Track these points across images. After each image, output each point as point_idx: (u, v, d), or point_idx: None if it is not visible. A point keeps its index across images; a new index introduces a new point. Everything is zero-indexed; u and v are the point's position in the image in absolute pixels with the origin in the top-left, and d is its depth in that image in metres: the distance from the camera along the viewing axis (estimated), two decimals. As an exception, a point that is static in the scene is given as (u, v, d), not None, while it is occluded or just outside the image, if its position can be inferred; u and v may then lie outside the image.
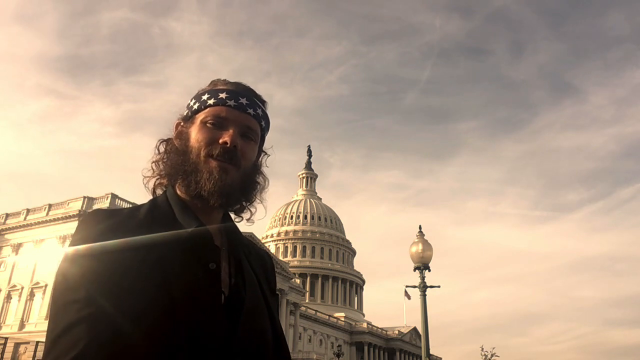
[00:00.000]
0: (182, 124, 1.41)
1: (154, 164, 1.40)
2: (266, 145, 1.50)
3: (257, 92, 1.47)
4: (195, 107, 1.39)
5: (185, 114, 1.42)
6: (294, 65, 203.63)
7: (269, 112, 1.48)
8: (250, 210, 1.45)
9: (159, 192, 1.40)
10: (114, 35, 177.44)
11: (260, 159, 1.47)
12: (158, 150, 1.41)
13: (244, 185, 1.36)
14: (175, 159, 1.35)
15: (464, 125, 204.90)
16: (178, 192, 1.35)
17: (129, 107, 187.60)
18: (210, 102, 1.36)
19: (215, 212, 1.36)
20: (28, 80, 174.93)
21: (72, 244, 1.18)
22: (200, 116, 1.37)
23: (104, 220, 1.22)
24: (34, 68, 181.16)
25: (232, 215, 1.44)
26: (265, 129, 1.46)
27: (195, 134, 1.35)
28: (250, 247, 1.47)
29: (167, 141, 1.41)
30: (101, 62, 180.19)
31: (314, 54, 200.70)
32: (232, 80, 1.46)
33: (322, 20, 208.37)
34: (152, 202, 1.36)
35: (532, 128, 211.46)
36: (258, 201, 1.44)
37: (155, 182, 1.40)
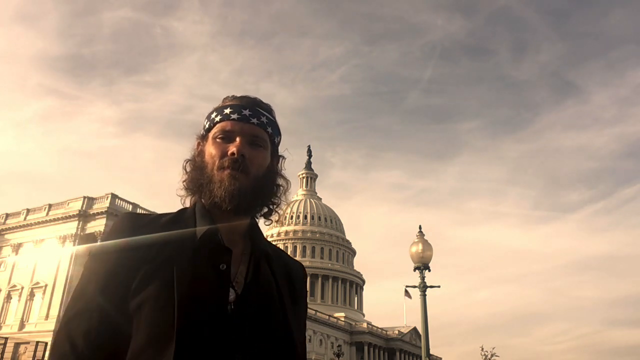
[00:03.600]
0: (200, 142, 1.54)
1: (184, 182, 1.52)
2: (282, 152, 1.61)
3: (264, 101, 1.58)
4: (207, 126, 1.53)
5: (201, 133, 1.56)
6: (295, 65, 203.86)
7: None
8: (278, 213, 1.55)
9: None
10: (115, 34, 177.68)
11: (278, 163, 1.58)
12: (185, 170, 1.53)
13: (257, 190, 1.44)
14: (194, 174, 1.49)
15: (466, 125, 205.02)
16: (203, 200, 1.47)
17: (130, 106, 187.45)
18: (217, 118, 1.50)
19: (238, 219, 1.45)
20: (29, 80, 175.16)
21: (101, 242, 1.37)
22: (212, 133, 1.50)
23: (129, 223, 1.40)
24: (35, 68, 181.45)
25: (263, 220, 1.56)
26: (274, 134, 1.55)
27: (208, 150, 1.48)
28: (278, 256, 1.55)
29: (191, 160, 1.54)
30: (103, 61, 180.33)
31: (316, 54, 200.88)
32: (246, 92, 1.62)
33: (323, 20, 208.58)
34: (181, 210, 1.50)
35: (534, 128, 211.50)
36: (284, 202, 1.55)
37: (191, 199, 1.52)
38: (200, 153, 1.52)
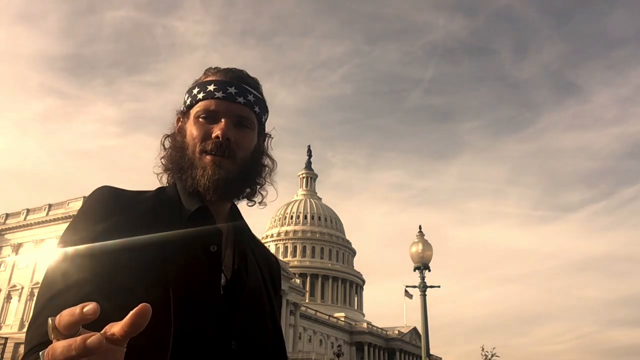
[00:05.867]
0: (180, 118, 1.41)
1: (162, 159, 1.40)
2: (268, 130, 1.49)
3: (251, 75, 1.44)
4: (188, 102, 1.39)
5: (182, 109, 1.42)
6: (296, 65, 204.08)
7: (265, 95, 1.44)
8: (262, 194, 1.43)
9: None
10: (116, 34, 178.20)
11: (264, 142, 1.46)
12: (163, 146, 1.41)
13: (243, 175, 1.34)
14: (174, 155, 1.36)
15: (467, 125, 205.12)
16: (183, 183, 1.37)
17: (131, 106, 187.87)
18: (200, 95, 1.35)
19: (221, 204, 1.36)
20: (31, 79, 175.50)
21: (77, 216, 1.23)
22: (194, 111, 1.36)
23: (109, 197, 1.26)
24: (37, 67, 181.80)
25: (245, 201, 1.43)
26: (260, 113, 1.42)
27: (190, 130, 1.35)
28: (258, 244, 1.49)
29: (171, 136, 1.41)
30: (104, 61, 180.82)
31: (317, 53, 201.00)
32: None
33: (325, 19, 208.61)
34: (160, 188, 1.38)
35: (535, 128, 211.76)
36: (269, 183, 1.43)
37: (168, 177, 1.40)
38: (180, 131, 1.38)
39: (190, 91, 1.40)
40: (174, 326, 1.08)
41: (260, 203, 1.44)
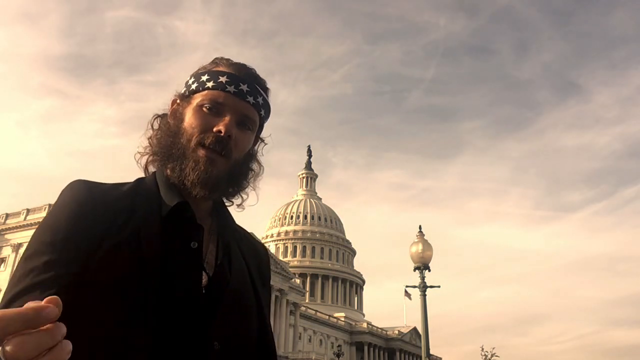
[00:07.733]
0: (178, 101, 1.34)
1: (148, 140, 1.33)
2: (264, 134, 1.45)
3: (261, 76, 1.39)
4: (194, 87, 1.31)
5: (182, 91, 1.35)
6: (297, 65, 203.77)
7: (271, 101, 1.40)
8: (242, 197, 1.38)
9: (152, 169, 1.34)
10: (117, 34, 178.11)
11: (256, 146, 1.41)
12: (152, 126, 1.34)
13: (232, 176, 1.29)
14: (165, 139, 1.29)
15: (468, 125, 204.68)
16: (168, 172, 1.30)
17: (132, 106, 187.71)
18: (209, 84, 1.28)
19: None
20: (31, 79, 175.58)
21: (49, 213, 1.18)
22: (197, 98, 1.29)
23: (83, 193, 1.19)
24: (38, 67, 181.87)
25: (224, 199, 1.39)
26: (264, 117, 1.38)
27: (189, 117, 1.28)
28: (244, 236, 1.44)
29: (162, 117, 1.35)
30: (104, 61, 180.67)
31: (318, 53, 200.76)
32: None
33: (326, 19, 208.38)
34: (139, 180, 1.31)
35: (536, 127, 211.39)
36: (251, 188, 1.38)
37: (147, 159, 1.33)
38: (176, 114, 1.31)
39: (197, 76, 1.32)
40: (150, 327, 1.06)
41: (239, 206, 1.39)
